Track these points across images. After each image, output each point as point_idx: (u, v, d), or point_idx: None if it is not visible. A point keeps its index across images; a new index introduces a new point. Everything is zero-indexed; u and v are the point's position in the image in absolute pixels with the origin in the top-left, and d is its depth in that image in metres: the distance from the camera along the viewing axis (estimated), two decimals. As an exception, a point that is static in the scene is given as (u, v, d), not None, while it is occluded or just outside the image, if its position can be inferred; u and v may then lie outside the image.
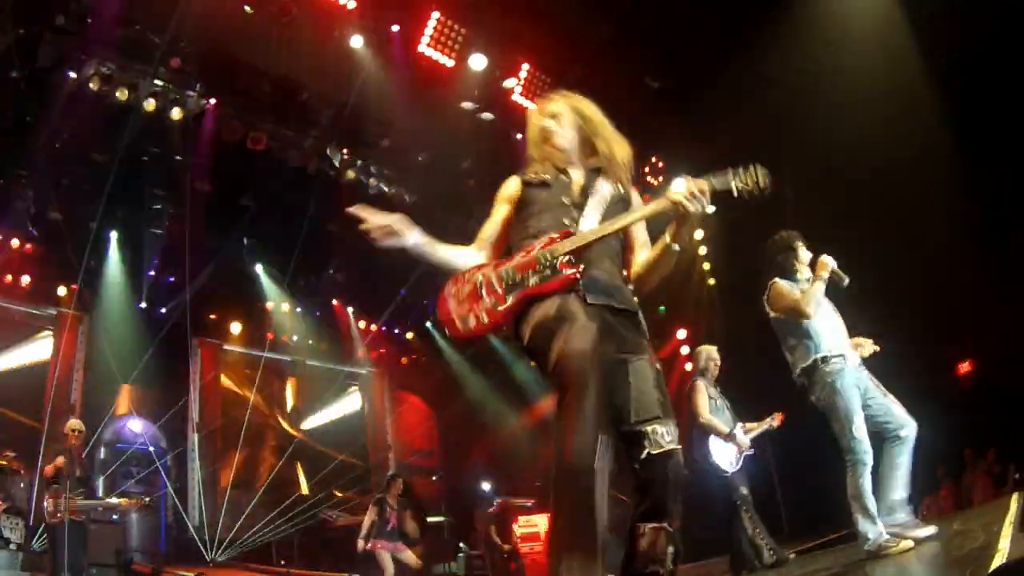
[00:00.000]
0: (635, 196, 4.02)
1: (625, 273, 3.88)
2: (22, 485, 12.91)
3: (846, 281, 6.32)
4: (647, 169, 16.53)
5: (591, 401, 3.18)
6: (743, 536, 8.27)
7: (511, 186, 4.09)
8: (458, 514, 16.29)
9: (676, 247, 3.70)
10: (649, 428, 3.41)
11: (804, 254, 6.57)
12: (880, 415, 6.19)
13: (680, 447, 3.45)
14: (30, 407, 14.57)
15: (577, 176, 4.01)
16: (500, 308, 3.64)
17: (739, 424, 8.86)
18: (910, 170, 12.14)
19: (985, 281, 12.51)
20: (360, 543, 12.24)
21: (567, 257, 3.59)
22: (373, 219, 3.82)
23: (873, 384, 6.32)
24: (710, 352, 9.17)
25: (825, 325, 6.33)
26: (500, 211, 4.10)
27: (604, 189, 3.92)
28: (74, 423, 10.69)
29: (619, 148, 4.00)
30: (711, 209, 3.64)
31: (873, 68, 12.37)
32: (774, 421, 9.12)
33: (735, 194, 3.61)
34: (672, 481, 3.39)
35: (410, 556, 12.46)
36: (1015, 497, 6.14)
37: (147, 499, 12.47)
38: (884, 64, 12.26)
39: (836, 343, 6.29)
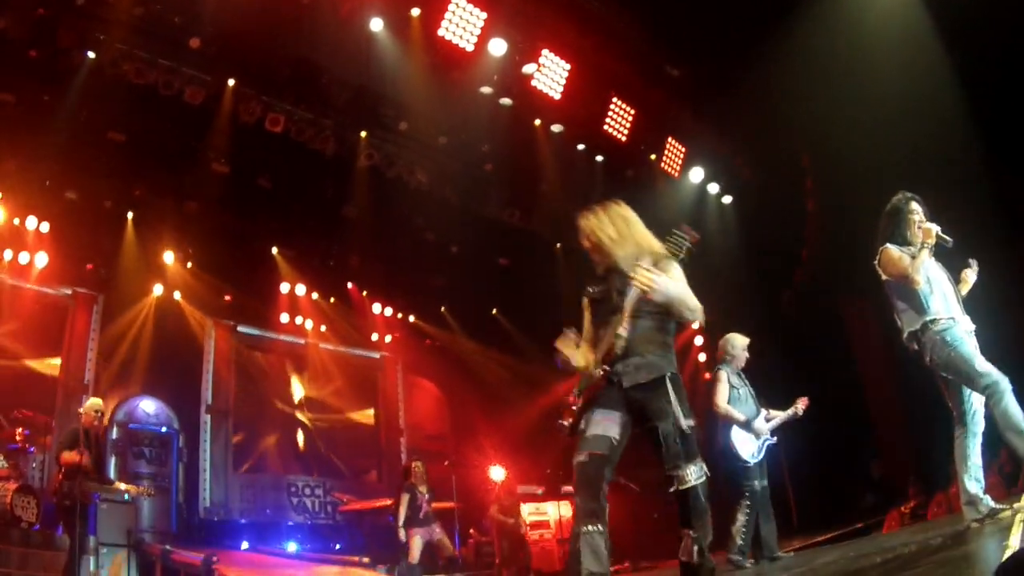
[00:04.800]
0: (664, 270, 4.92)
1: (665, 334, 5.05)
2: (34, 464, 12.95)
3: (950, 242, 6.34)
4: (667, 155, 16.48)
5: (580, 493, 4.79)
6: (750, 526, 8.30)
7: (584, 304, 5.34)
8: (468, 500, 16.27)
9: (676, 310, 4.90)
10: (674, 473, 4.69)
11: (915, 217, 6.49)
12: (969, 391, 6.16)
13: (699, 482, 4.69)
14: (44, 386, 14.64)
15: (615, 281, 5.09)
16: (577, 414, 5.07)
17: (762, 412, 8.78)
18: (934, 162, 12.03)
19: (1003, 280, 12.41)
20: (401, 533, 12.22)
21: (603, 366, 4.95)
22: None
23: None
24: (735, 340, 9.01)
25: (936, 290, 6.30)
26: (586, 324, 5.31)
27: (634, 289, 4.88)
28: (94, 403, 10.71)
29: (621, 253, 5.09)
30: (661, 285, 4.71)
31: (896, 58, 12.25)
32: (798, 407, 8.95)
33: (676, 256, 4.94)
34: (691, 506, 4.67)
35: (446, 541, 12.52)
36: (1026, 496, 6.09)
37: (151, 491, 12.48)
38: (907, 54, 12.13)
39: (946, 308, 6.26)
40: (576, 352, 5.13)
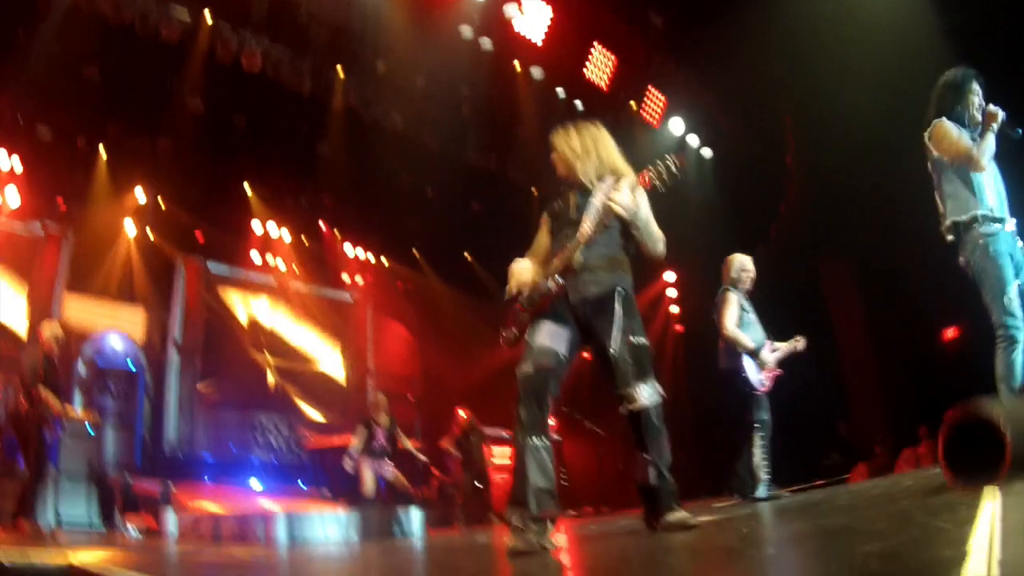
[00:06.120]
0: (618, 192, 4.87)
1: (621, 255, 4.97)
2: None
3: (1020, 132, 5.89)
4: (647, 104, 16.36)
5: (524, 404, 4.65)
6: (747, 460, 7.94)
7: (543, 218, 5.31)
8: (433, 441, 16.33)
9: (639, 233, 4.91)
10: (623, 392, 4.61)
11: (975, 98, 6.05)
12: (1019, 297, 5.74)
13: (652, 403, 4.59)
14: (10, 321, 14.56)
15: (574, 196, 5.10)
16: (523, 323, 4.99)
17: (768, 342, 8.43)
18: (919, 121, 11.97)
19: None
20: (347, 462, 12.32)
21: (557, 276, 4.85)
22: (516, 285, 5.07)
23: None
24: (743, 261, 8.64)
25: (989, 183, 5.91)
26: (541, 236, 5.29)
27: (596, 201, 4.93)
28: (54, 328, 10.55)
29: (580, 166, 5.10)
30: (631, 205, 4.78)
31: (882, 15, 12.13)
32: (798, 343, 8.62)
33: (656, 182, 4.83)
34: (645, 428, 4.56)
35: (401, 479, 12.58)
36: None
37: (96, 418, 12.37)
38: (894, 8, 12.03)
39: (998, 205, 5.87)
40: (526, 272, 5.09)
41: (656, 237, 4.95)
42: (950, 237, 6.01)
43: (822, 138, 13.59)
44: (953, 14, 11.44)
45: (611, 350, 4.65)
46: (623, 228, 4.92)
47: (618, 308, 4.72)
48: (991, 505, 2.75)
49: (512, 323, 5.02)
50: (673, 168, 4.76)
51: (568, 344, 4.83)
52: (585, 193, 5.02)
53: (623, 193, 4.76)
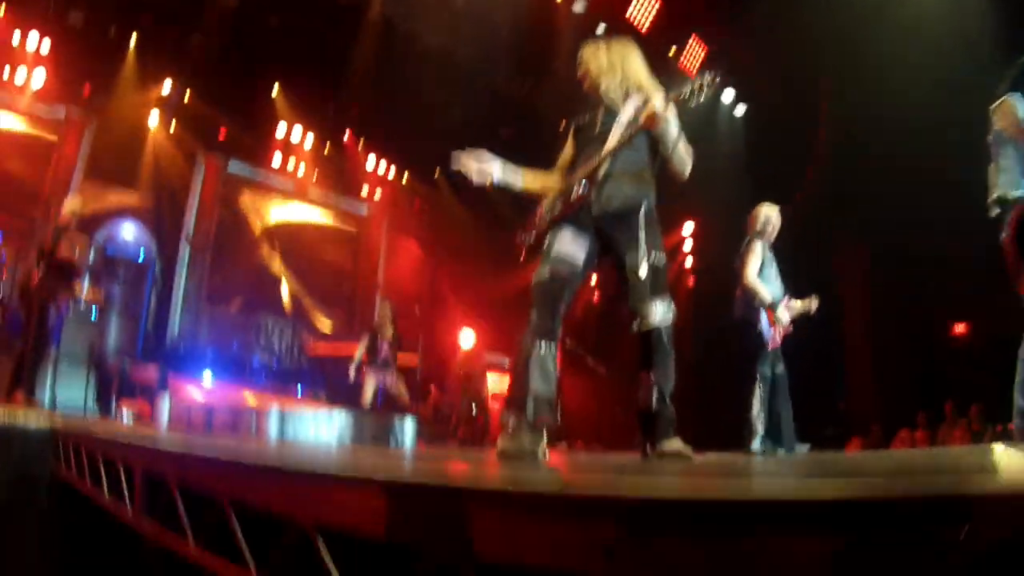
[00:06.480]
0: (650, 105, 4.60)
1: (647, 171, 4.80)
2: (3, 278, 12.94)
3: None
4: (687, 53, 16.17)
5: (536, 309, 4.54)
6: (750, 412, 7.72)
7: (569, 130, 5.10)
8: (433, 359, 16.39)
9: (668, 151, 4.71)
10: (639, 309, 4.47)
11: None
12: None
13: (663, 324, 4.46)
14: (26, 203, 14.63)
15: (602, 112, 4.90)
16: (542, 230, 4.87)
17: (786, 297, 8.19)
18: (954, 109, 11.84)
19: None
20: (351, 372, 12.30)
21: (580, 184, 4.72)
22: (466, 162, 4.91)
23: None
24: (769, 212, 8.35)
25: None
26: (566, 149, 5.09)
27: (623, 117, 4.76)
28: (74, 204, 10.42)
29: (606, 82, 4.91)
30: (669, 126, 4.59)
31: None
32: (813, 303, 8.36)
33: (690, 101, 4.49)
34: (654, 347, 4.46)
35: (396, 385, 12.55)
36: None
37: (100, 298, 12.35)
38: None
39: None
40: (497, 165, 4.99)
41: (684, 156, 4.76)
42: (996, 210, 5.82)
43: (857, 112, 13.43)
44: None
45: (630, 265, 4.54)
46: (650, 145, 4.78)
47: (641, 223, 4.62)
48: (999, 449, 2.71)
49: (531, 228, 4.93)
50: (708, 84, 4.44)
51: (586, 255, 4.71)
52: (611, 109, 4.87)
53: (659, 101, 4.47)
